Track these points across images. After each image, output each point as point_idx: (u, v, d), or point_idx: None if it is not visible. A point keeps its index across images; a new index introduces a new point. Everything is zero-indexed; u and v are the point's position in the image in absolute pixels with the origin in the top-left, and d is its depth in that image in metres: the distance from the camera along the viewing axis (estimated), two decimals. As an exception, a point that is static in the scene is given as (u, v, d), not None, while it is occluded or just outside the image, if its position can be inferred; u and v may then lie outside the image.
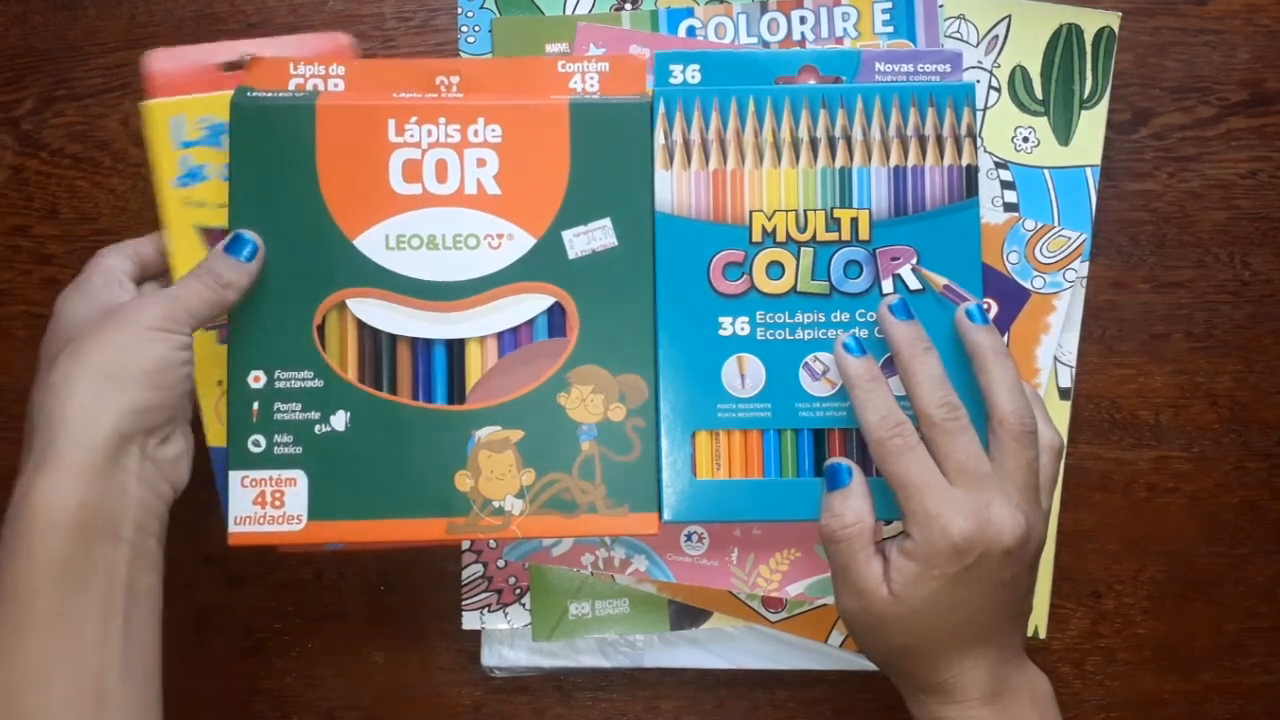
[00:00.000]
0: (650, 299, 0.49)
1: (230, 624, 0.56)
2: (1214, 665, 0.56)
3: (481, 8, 0.55)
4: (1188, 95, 0.56)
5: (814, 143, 0.50)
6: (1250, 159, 0.56)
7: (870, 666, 0.54)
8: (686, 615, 0.54)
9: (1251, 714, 0.56)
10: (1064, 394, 0.54)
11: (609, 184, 0.49)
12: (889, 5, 0.54)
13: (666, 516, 0.49)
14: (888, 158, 0.49)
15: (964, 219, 0.49)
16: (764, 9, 0.54)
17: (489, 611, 0.54)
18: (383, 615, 0.56)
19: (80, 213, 0.56)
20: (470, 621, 0.54)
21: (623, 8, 0.55)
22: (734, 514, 0.49)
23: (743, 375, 0.49)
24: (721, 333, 0.49)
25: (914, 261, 0.49)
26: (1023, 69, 0.54)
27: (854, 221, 0.49)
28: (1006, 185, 0.54)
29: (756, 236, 0.49)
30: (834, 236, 0.49)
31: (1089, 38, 0.54)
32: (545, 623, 0.54)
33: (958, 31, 0.54)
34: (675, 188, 0.49)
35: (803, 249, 0.49)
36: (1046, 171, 0.54)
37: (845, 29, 0.54)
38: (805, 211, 0.49)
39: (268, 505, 0.48)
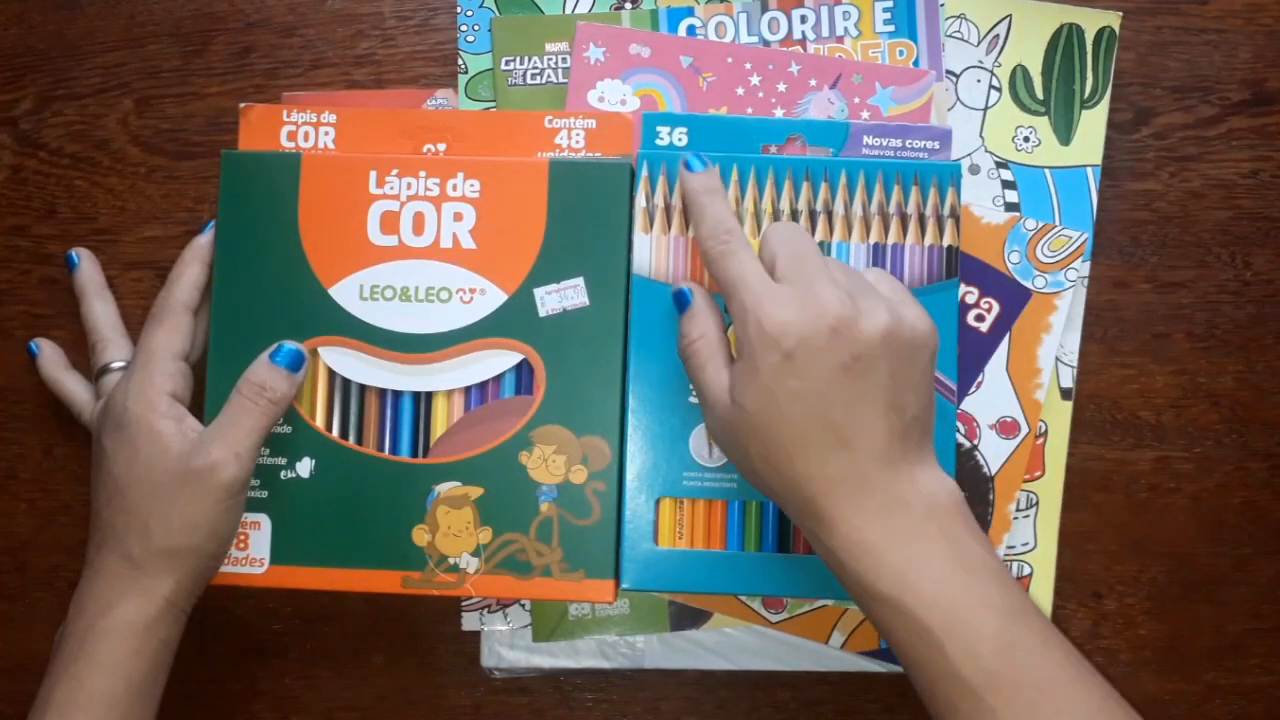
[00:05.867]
0: (619, 361, 0.49)
1: (229, 625, 0.56)
2: (1216, 666, 0.56)
3: (481, 7, 0.55)
4: (1189, 95, 0.56)
5: (794, 214, 0.49)
6: (1251, 158, 0.55)
7: (872, 667, 0.54)
8: (687, 616, 0.54)
9: (1253, 715, 0.56)
10: (1065, 394, 0.54)
11: (584, 243, 0.49)
12: (890, 4, 0.54)
13: (625, 584, 0.48)
14: (868, 234, 0.49)
15: (943, 300, 0.49)
16: (764, 8, 0.54)
17: (489, 612, 0.54)
18: (382, 616, 0.56)
19: (79, 212, 0.56)
20: (470, 622, 0.54)
21: (623, 6, 0.54)
22: (693, 585, 0.49)
23: (710, 444, 0.49)
24: (691, 400, 0.49)
25: None
26: (1023, 68, 0.54)
27: None
28: (1007, 185, 0.54)
29: None
30: None
31: (1090, 37, 0.54)
32: (545, 624, 0.54)
33: (958, 31, 0.54)
34: (654, 251, 0.49)
35: None
36: (1047, 171, 0.54)
37: (846, 28, 0.54)
38: None
39: (232, 547, 0.48)
